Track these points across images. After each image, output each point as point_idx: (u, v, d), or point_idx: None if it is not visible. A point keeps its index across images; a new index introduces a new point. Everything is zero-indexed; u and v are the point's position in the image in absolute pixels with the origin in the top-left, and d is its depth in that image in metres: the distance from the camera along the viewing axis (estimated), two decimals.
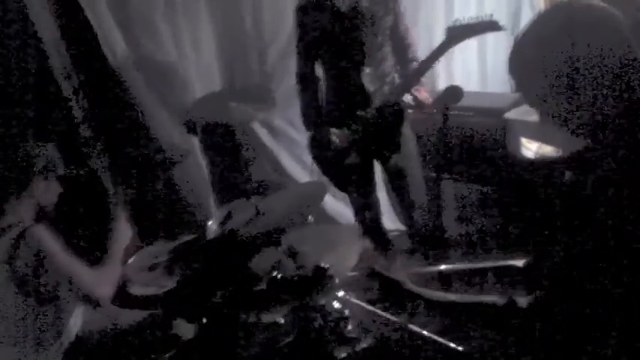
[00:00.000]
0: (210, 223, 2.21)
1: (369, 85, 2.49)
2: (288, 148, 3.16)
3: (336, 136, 2.53)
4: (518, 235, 2.56)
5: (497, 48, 3.50)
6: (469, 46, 3.44)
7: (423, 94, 2.52)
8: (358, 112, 2.49)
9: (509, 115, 2.82)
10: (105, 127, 2.50)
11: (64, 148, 2.31)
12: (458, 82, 2.51)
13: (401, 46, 2.54)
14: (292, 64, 2.92)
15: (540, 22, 1.16)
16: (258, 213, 2.04)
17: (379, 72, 2.50)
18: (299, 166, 3.17)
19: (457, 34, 2.33)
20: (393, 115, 2.52)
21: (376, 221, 2.85)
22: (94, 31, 2.41)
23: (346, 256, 1.91)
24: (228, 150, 2.88)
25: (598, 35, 1.07)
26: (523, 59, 1.15)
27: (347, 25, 2.41)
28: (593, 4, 1.11)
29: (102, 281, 1.83)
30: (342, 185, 2.74)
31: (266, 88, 2.99)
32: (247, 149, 2.96)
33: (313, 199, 2.19)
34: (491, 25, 2.31)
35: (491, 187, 2.88)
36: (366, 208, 2.79)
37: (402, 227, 2.89)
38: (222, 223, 2.05)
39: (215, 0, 2.74)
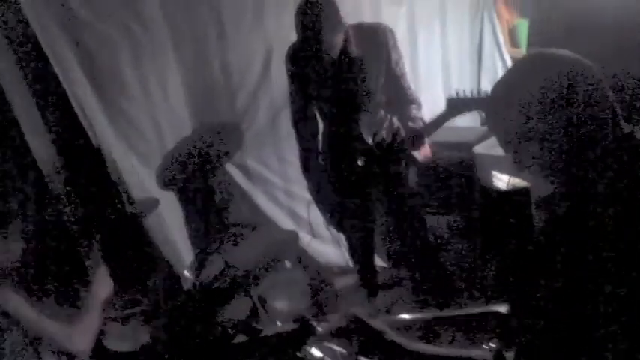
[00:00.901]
0: (185, 272, 2.18)
1: (366, 132, 2.49)
2: (263, 189, 3.15)
3: None
4: (496, 275, 2.60)
5: (462, 81, 3.58)
6: (435, 80, 3.54)
7: (426, 152, 2.55)
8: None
9: (478, 149, 2.87)
10: (75, 178, 2.45)
11: (32, 202, 2.27)
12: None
13: (397, 91, 2.51)
14: (262, 105, 3.00)
15: (515, 70, 1.19)
16: (228, 266, 2.03)
17: (375, 118, 2.51)
18: (275, 207, 3.16)
19: (458, 107, 2.33)
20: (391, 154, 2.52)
21: (370, 261, 2.89)
22: (62, 85, 2.38)
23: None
24: (203, 195, 2.86)
25: (571, 87, 1.09)
26: (497, 107, 1.18)
27: (337, 73, 2.41)
28: (566, 55, 1.13)
29: (79, 336, 1.79)
30: (340, 226, 2.76)
31: (237, 129, 2.99)
32: (222, 192, 2.95)
33: (285, 247, 2.20)
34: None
35: (465, 220, 2.92)
36: (362, 248, 2.81)
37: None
38: (196, 274, 2.04)
39: (182, 47, 2.73)
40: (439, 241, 2.90)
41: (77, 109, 2.43)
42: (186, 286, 2.61)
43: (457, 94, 2.33)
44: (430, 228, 2.83)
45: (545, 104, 1.08)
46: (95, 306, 1.87)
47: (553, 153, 1.14)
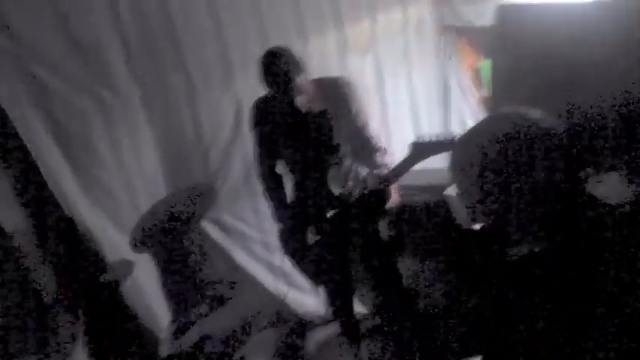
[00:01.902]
0: (162, 339, 2.15)
1: (333, 183, 2.52)
2: (241, 244, 3.13)
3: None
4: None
5: (431, 124, 3.66)
6: (404, 125, 3.61)
7: (394, 199, 2.56)
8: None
9: (450, 191, 2.92)
10: (49, 250, 2.43)
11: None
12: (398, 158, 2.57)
13: (361, 141, 2.54)
14: (236, 161, 3.01)
15: (480, 129, 1.24)
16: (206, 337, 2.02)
17: (342, 169, 2.54)
18: (253, 261, 3.15)
19: (423, 151, 2.34)
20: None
21: (349, 310, 2.89)
22: (32, 158, 2.38)
23: None
24: (177, 257, 2.84)
25: (536, 148, 1.14)
26: (461, 161, 1.23)
27: (301, 126, 2.44)
28: (531, 116, 1.19)
29: None
30: (316, 278, 2.76)
31: (211, 187, 2.99)
32: (196, 253, 2.93)
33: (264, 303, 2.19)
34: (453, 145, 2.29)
35: (443, 262, 2.94)
36: (340, 298, 2.81)
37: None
38: (173, 343, 2.01)
39: (153, 110, 2.75)
40: (416, 287, 2.90)
41: (48, 179, 2.42)
42: (164, 354, 2.56)
43: (420, 138, 2.35)
44: (410, 273, 2.84)
45: (494, 160, 1.16)
46: None
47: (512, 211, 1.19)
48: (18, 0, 2.31)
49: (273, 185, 2.68)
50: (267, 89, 2.34)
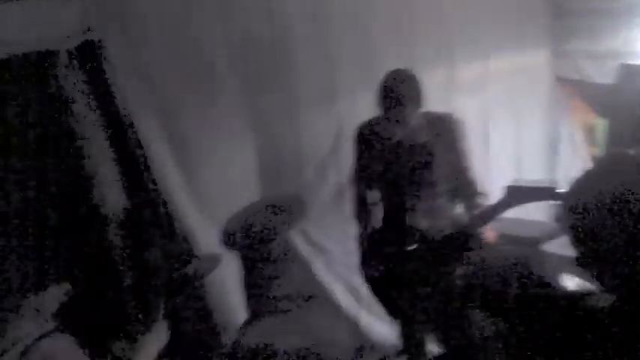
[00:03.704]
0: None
1: (422, 220, 2.48)
2: (324, 260, 3.14)
3: None
4: None
5: (534, 175, 3.51)
6: (506, 173, 3.48)
7: (490, 234, 2.48)
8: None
9: (548, 247, 2.76)
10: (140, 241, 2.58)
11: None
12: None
13: (461, 182, 2.50)
14: (328, 181, 3.06)
15: (595, 169, 1.16)
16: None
17: (434, 207, 2.50)
18: (332, 279, 3.14)
19: (519, 196, 2.25)
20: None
21: (421, 349, 2.79)
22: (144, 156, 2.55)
23: None
24: (263, 259, 2.90)
25: None
26: (574, 204, 1.13)
27: (402, 156, 2.44)
28: None
29: None
30: (392, 310, 2.72)
31: (302, 201, 3.05)
32: (281, 259, 2.98)
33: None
34: (551, 193, 2.15)
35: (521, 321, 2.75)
36: (414, 333, 2.73)
37: None
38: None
39: (258, 124, 2.88)
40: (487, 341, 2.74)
41: (152, 167, 2.59)
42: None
43: (516, 181, 2.26)
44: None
45: (621, 208, 1.04)
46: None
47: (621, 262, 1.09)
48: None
49: (363, 210, 2.67)
50: (377, 111, 2.37)
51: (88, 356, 1.95)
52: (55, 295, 2.11)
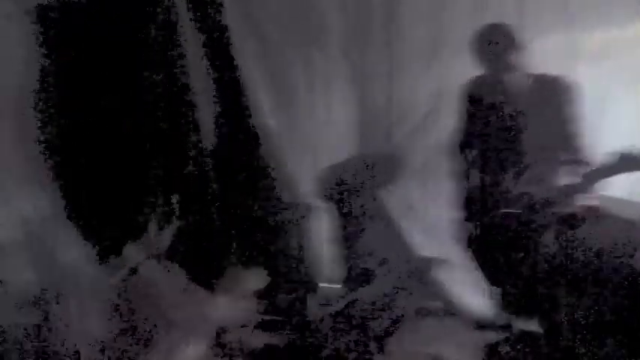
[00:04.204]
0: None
1: (522, 184, 2.43)
2: (414, 220, 3.13)
3: None
4: None
5: None
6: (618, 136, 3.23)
7: (594, 202, 2.39)
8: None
9: None
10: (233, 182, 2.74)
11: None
12: None
13: (564, 150, 2.42)
14: (423, 141, 3.03)
15: None
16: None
17: (536, 172, 2.44)
18: (420, 242, 3.12)
19: (630, 164, 2.18)
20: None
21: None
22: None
23: None
24: (353, 214, 2.96)
25: None
26: None
27: (507, 119, 2.41)
28: None
29: (208, 318, 1.93)
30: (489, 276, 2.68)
31: (397, 158, 3.06)
32: (372, 217, 3.02)
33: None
34: None
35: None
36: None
37: None
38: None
39: (355, 79, 2.94)
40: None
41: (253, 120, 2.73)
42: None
43: (630, 148, 2.15)
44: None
45: None
46: (244, 296, 2.02)
47: None
48: None
49: (461, 172, 2.64)
50: (479, 65, 2.32)
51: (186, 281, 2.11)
52: (167, 232, 2.28)
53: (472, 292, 2.95)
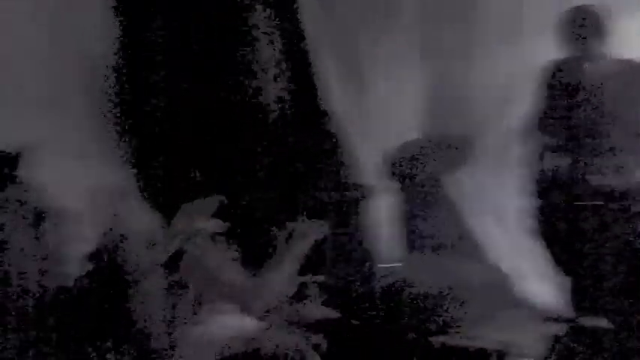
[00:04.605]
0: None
1: (600, 175, 2.33)
2: (477, 208, 3.04)
3: None
4: None
5: None
6: None
7: None
8: None
9: None
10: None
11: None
12: None
13: None
14: (500, 124, 2.90)
15: None
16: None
17: (615, 161, 2.34)
18: (483, 230, 3.04)
19: None
20: None
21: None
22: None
23: None
24: (420, 200, 2.92)
25: None
26: None
27: (589, 105, 2.32)
28: None
29: (261, 292, 1.94)
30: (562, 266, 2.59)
31: (468, 141, 2.97)
32: (439, 202, 2.97)
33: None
34: None
35: None
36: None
37: None
38: None
39: (430, 57, 2.83)
40: None
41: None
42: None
43: None
44: None
45: None
46: (292, 260, 2.00)
47: None
48: None
49: (537, 158, 2.53)
50: (562, 48, 2.23)
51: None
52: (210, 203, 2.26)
53: (541, 283, 2.86)
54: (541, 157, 2.52)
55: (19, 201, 1.83)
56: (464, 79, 2.88)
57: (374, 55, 2.75)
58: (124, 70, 2.57)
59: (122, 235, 1.87)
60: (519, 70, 2.77)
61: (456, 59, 2.86)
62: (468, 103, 2.92)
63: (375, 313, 2.50)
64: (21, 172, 1.86)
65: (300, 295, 2.31)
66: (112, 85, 2.55)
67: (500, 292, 2.88)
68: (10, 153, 1.89)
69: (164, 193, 2.33)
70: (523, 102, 2.68)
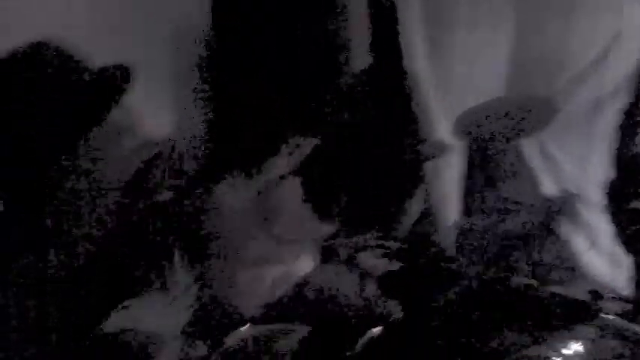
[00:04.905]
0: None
1: None
2: (555, 177, 2.91)
3: None
4: None
5: None
6: None
7: None
8: None
9: None
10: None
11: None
12: None
13: None
14: (585, 92, 2.73)
15: None
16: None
17: None
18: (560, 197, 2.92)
19: None
20: None
21: None
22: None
23: None
24: (489, 162, 2.85)
25: None
26: None
27: None
28: None
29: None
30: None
31: (548, 106, 2.81)
32: (510, 165, 2.88)
33: None
34: None
35: None
36: None
37: None
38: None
39: (521, 15, 2.66)
40: None
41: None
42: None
43: None
44: None
45: None
46: None
47: None
48: None
49: (621, 130, 2.41)
50: None
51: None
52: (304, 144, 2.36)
53: (604, 260, 2.76)
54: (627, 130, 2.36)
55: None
56: (553, 40, 2.69)
57: (458, 14, 2.64)
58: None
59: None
60: (619, 30, 2.55)
61: (549, 17, 2.66)
62: (559, 65, 2.74)
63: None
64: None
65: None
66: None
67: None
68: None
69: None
70: (620, 67, 2.48)
